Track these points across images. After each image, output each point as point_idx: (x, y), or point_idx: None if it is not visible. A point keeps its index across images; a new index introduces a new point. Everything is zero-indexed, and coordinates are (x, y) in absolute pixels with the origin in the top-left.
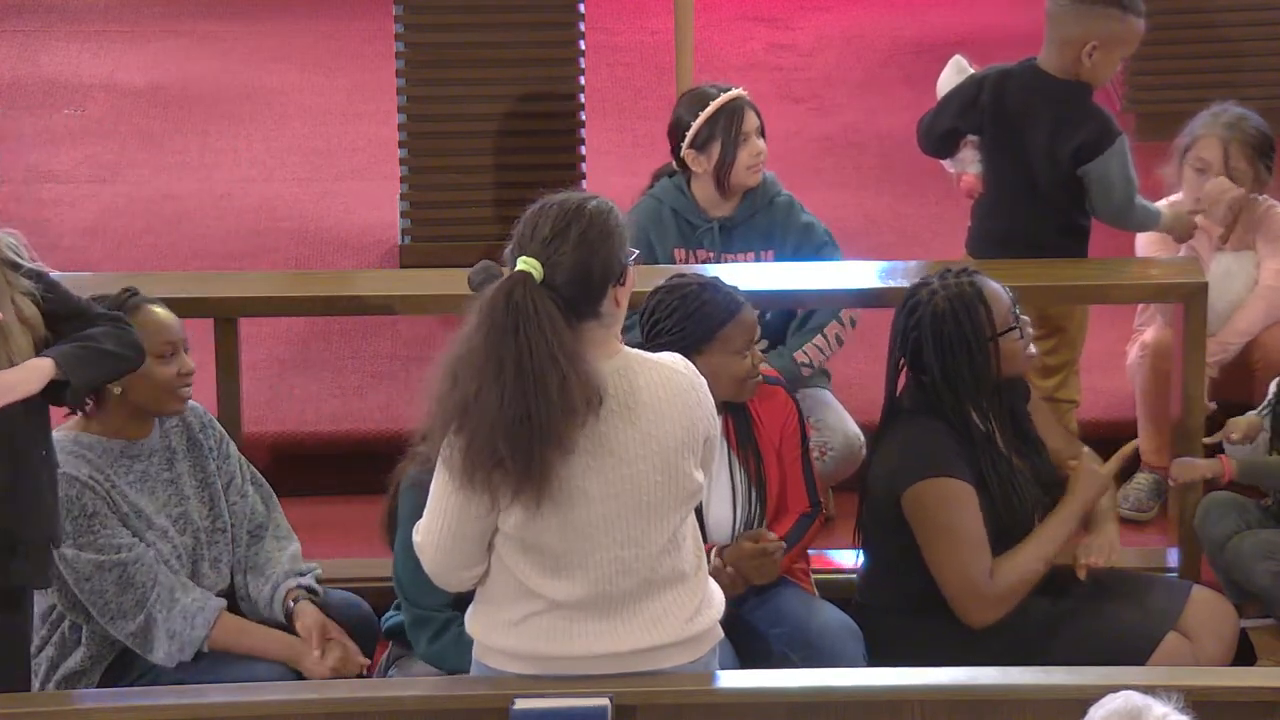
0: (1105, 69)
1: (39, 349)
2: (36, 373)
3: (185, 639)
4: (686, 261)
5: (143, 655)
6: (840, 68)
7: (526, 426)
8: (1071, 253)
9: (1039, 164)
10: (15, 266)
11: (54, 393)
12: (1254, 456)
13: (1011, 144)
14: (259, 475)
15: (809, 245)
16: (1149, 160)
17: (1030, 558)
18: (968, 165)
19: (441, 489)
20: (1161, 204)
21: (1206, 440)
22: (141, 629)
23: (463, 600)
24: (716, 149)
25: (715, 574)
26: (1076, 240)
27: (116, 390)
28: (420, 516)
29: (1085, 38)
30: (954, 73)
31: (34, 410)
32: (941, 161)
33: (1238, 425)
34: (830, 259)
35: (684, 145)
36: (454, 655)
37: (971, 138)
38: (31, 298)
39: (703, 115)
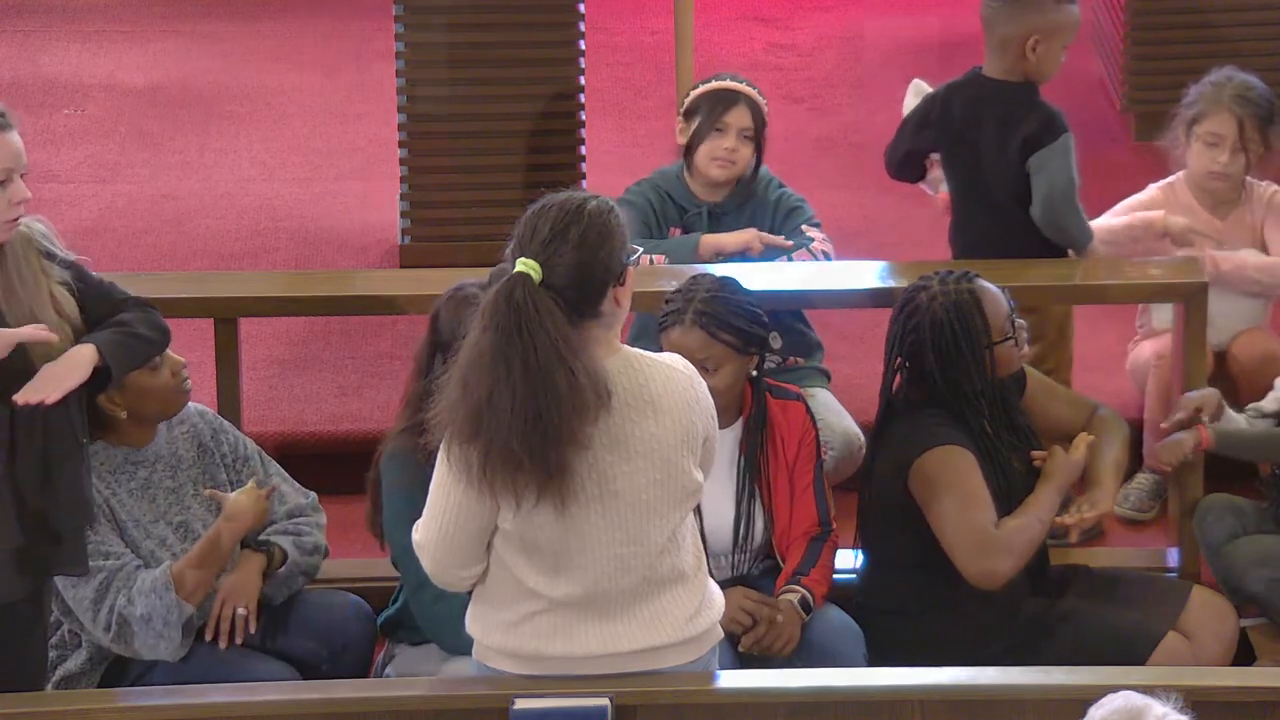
0: (1050, 62)
1: (77, 338)
2: (83, 361)
3: (162, 615)
4: None
5: (140, 657)
6: (840, 68)
7: (540, 427)
8: (1047, 256)
9: (994, 169)
10: (49, 256)
11: (97, 379)
12: (1229, 426)
13: (966, 155)
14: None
15: (791, 225)
16: (1148, 160)
17: (1027, 519)
18: (939, 185)
19: (440, 488)
20: (1141, 197)
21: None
22: (118, 633)
23: None
24: (695, 124)
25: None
26: (1048, 243)
27: (122, 414)
28: (403, 487)
29: (1024, 34)
30: (914, 96)
31: (69, 395)
32: (921, 185)
33: (1190, 402)
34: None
35: (681, 108)
36: (457, 621)
37: (935, 156)
38: (67, 287)
39: (704, 88)
